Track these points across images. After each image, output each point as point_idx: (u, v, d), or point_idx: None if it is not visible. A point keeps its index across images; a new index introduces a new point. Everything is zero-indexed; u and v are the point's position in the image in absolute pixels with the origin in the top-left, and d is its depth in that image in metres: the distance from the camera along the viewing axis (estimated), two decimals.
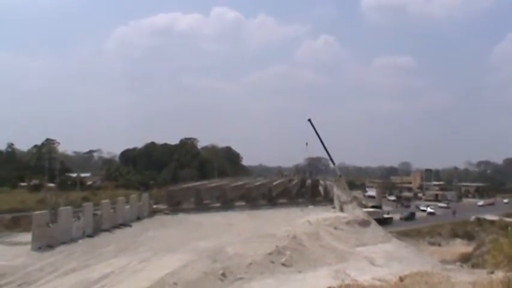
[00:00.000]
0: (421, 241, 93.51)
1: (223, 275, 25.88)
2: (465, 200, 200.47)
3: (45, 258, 28.47)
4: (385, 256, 35.66)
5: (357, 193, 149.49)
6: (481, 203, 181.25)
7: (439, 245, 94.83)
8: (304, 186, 72.45)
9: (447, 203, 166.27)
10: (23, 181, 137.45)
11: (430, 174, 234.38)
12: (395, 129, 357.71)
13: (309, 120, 72.09)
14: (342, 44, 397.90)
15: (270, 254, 30.32)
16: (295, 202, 60.45)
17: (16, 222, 66.38)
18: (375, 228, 47.12)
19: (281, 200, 60.77)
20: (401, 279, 23.06)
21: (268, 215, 48.63)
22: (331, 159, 78.35)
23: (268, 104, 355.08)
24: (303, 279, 25.68)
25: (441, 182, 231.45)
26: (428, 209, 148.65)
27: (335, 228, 42.16)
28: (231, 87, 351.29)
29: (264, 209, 54.73)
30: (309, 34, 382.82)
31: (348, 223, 44.68)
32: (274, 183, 67.41)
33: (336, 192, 60.01)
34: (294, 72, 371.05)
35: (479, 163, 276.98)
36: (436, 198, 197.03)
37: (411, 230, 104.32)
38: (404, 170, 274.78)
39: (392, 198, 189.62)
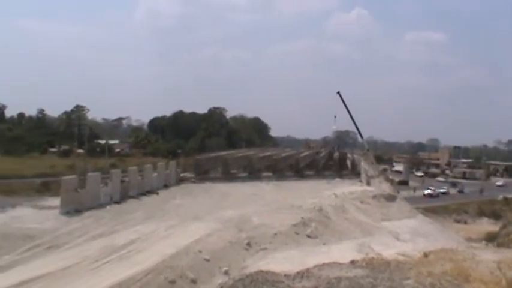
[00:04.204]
0: (447, 218, 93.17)
1: (248, 244, 26.08)
2: (493, 179, 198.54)
3: (74, 223, 28.81)
4: (410, 231, 35.70)
5: (384, 168, 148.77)
6: (500, 182, 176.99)
7: (465, 222, 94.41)
8: (331, 159, 72.27)
9: (448, 187, 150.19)
10: (52, 146, 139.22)
11: (458, 151, 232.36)
12: (425, 105, 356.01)
13: (338, 93, 71.96)
14: (374, 18, 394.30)
15: (295, 225, 30.48)
16: (322, 174, 60.35)
17: (46, 187, 67.48)
18: (400, 203, 47.11)
19: (308, 172, 60.66)
20: (425, 255, 23.03)
21: (294, 187, 48.68)
22: (359, 132, 78.39)
23: (297, 76, 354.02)
24: (328, 252, 25.77)
25: (469, 160, 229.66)
26: (427, 190, 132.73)
27: (361, 201, 42.22)
28: (260, 58, 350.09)
29: (290, 180, 54.71)
30: (341, 7, 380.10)
31: (374, 197, 44.73)
32: (302, 155, 67.26)
33: (363, 166, 59.94)
34: (325, 45, 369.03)
35: (509, 142, 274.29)
36: (464, 176, 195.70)
37: (438, 206, 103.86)
38: (433, 146, 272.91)
39: (419, 174, 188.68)
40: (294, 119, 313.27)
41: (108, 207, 34.03)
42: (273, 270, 18.92)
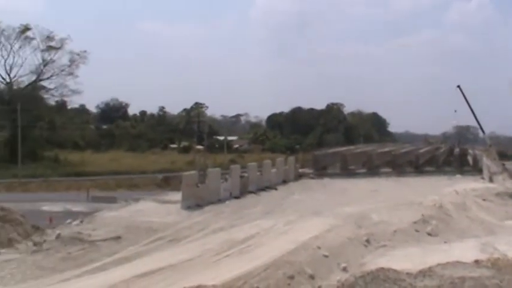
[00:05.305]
0: None
1: (367, 241, 25.84)
2: None
3: (194, 217, 29.47)
4: None
5: (508, 164, 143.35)
6: None
7: None
8: (452, 154, 70.58)
9: None
10: (173, 143, 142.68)
11: None
12: None
13: (458, 86, 70.12)
14: (495, 7, 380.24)
15: (415, 222, 29.93)
16: (442, 171, 58.96)
17: (167, 182, 69.33)
18: None
19: (428, 168, 59.48)
20: None
21: (414, 183, 47.87)
22: (481, 127, 76.08)
23: (416, 70, 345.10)
24: (449, 250, 25.13)
25: None
26: None
27: (483, 199, 40.90)
28: (378, 52, 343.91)
29: (410, 176, 53.86)
30: None
31: (497, 195, 43.21)
32: (421, 151, 66.14)
33: (486, 162, 58.21)
34: (444, 37, 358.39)
35: None
36: None
37: None
38: None
39: None
40: (412, 114, 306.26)
41: (227, 202, 34.63)
42: (394, 268, 18.63)
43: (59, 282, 19.07)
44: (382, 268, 18.39)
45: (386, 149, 65.84)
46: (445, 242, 27.66)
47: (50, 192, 67.67)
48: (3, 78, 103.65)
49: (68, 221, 29.33)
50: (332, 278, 19.99)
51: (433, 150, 72.26)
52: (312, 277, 20.05)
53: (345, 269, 21.34)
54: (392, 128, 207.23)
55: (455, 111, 74.20)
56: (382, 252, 24.51)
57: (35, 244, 24.33)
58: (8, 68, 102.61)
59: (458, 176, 55.33)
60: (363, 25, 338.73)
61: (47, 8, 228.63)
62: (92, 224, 27.77)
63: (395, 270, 18.01)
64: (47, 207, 48.85)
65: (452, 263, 19.12)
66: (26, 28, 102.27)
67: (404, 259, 22.41)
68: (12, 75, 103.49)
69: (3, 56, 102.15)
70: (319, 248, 22.97)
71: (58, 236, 25.08)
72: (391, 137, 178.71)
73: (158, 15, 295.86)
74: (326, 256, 22.38)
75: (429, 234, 28.96)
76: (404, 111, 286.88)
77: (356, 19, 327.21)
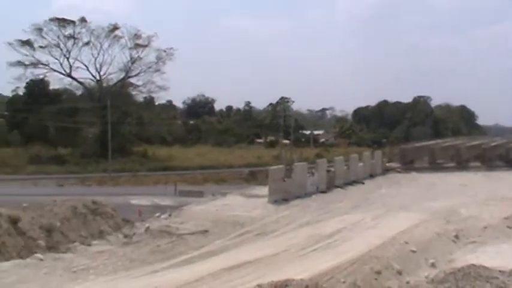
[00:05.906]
0: None
1: (456, 236, 25.42)
2: None
3: (281, 211, 29.59)
4: None
5: None
6: None
7: None
8: None
9: None
10: (259, 137, 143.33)
11: None
12: None
13: None
14: None
15: (507, 218, 29.19)
16: None
17: (253, 176, 69.73)
18: None
19: None
20: None
21: (505, 177, 46.60)
22: None
23: (505, 61, 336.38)
24: None
25: None
26: None
27: None
28: (464, 44, 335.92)
29: (500, 170, 52.42)
30: None
31: None
32: None
33: None
34: None
35: None
36: None
37: None
38: None
39: None
40: (502, 107, 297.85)
41: (314, 196, 34.61)
42: (485, 265, 18.17)
43: (149, 274, 19.50)
44: (473, 265, 17.95)
45: (476, 143, 64.27)
46: None
47: (139, 186, 69.09)
48: (93, 76, 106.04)
49: (157, 214, 29.96)
50: (420, 274, 19.74)
51: None
52: (399, 272, 19.86)
53: (433, 265, 21.04)
54: (482, 121, 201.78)
55: None
56: (472, 249, 24.04)
57: (125, 236, 25.05)
58: (98, 66, 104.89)
59: None
60: (450, 16, 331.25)
61: (134, 8, 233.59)
62: (179, 217, 28.28)
63: (487, 268, 17.56)
64: (136, 201, 49.83)
65: None
66: (115, 27, 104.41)
67: (496, 256, 21.90)
68: (102, 73, 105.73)
69: (93, 55, 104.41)
70: (406, 243, 22.77)
71: (147, 229, 25.69)
72: (480, 130, 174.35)
73: (244, 12, 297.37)
74: (414, 251, 22.16)
75: None
76: (494, 104, 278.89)
77: (442, 10, 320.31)
